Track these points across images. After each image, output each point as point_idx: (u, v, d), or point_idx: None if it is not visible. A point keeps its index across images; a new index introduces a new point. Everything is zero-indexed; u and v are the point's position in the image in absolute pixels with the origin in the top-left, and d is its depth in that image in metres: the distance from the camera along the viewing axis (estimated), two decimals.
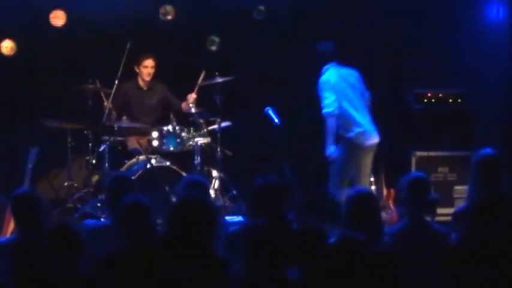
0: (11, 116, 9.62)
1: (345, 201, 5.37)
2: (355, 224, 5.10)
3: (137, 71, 9.51)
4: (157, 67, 9.53)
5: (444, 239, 5.69)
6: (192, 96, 9.34)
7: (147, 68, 9.43)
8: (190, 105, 9.28)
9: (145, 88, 9.56)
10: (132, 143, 9.38)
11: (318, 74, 8.50)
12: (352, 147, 8.32)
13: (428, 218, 5.82)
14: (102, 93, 9.32)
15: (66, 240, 4.85)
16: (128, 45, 9.17)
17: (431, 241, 5.58)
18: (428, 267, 5.31)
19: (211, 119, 9.35)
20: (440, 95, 9.47)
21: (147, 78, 9.47)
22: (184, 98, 9.46)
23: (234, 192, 9.17)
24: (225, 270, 4.66)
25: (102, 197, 8.66)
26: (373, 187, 8.88)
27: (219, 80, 9.24)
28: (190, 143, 9.17)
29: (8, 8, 9.48)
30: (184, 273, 4.62)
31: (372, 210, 5.32)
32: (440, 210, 8.51)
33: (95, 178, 9.30)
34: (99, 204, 8.81)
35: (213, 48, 10.01)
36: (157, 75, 9.56)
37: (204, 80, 9.35)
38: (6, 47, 9.63)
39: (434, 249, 5.47)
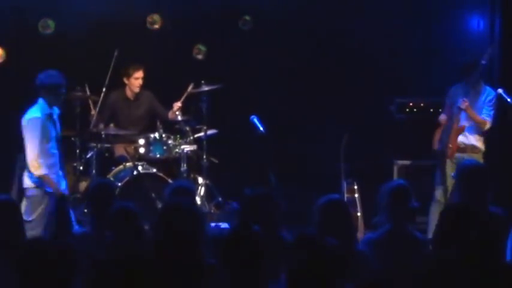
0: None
1: (316, 207, 5.38)
2: (326, 230, 5.06)
3: (126, 82, 9.50)
4: (145, 76, 9.53)
5: (424, 247, 5.66)
6: (177, 105, 9.34)
7: (138, 79, 9.45)
8: (177, 113, 9.37)
9: (132, 98, 9.59)
10: (119, 150, 9.39)
11: None
12: None
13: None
14: (90, 101, 9.31)
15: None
16: (116, 54, 9.16)
17: (412, 249, 5.57)
18: (407, 275, 5.23)
19: (198, 126, 9.38)
20: (421, 104, 9.50)
21: (137, 90, 9.50)
22: (171, 106, 9.47)
23: (220, 199, 9.21)
24: (213, 275, 4.63)
25: None
26: (356, 195, 9.02)
27: (205, 88, 9.27)
28: (177, 150, 9.19)
29: None
30: (173, 279, 4.57)
31: (343, 216, 5.34)
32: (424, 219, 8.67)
33: (82, 184, 9.24)
34: (86, 211, 8.87)
35: (200, 57, 10.02)
36: (144, 84, 9.57)
37: (190, 91, 9.39)
38: None
39: (415, 257, 5.43)
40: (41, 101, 7.70)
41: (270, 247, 4.60)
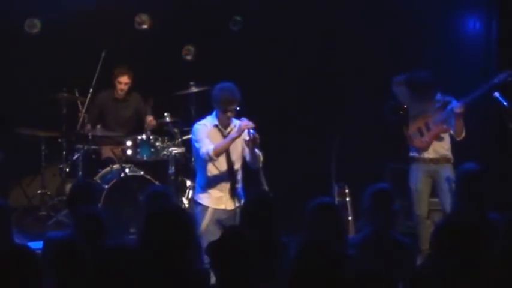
0: None
1: (307, 210, 5.40)
2: (317, 233, 5.17)
3: (114, 82, 9.57)
4: (133, 78, 9.56)
5: (407, 250, 5.76)
6: (151, 120, 9.50)
7: (121, 84, 9.52)
8: (151, 125, 9.45)
9: (121, 99, 9.63)
10: (106, 151, 9.48)
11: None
12: None
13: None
14: (79, 102, 9.44)
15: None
16: (103, 54, 9.26)
17: (394, 252, 5.60)
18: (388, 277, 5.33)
19: (186, 128, 9.28)
20: None
21: (121, 93, 9.56)
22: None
23: None
24: (204, 282, 4.67)
25: None
26: (347, 198, 8.95)
27: (195, 89, 9.30)
28: (165, 152, 9.21)
29: None
30: (163, 285, 4.56)
31: (333, 219, 5.36)
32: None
33: (68, 187, 8.99)
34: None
35: (189, 57, 10.08)
36: (133, 85, 9.61)
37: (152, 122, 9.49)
38: None
39: (397, 260, 5.47)
40: (214, 112, 7.44)
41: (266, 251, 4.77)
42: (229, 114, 7.27)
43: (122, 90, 9.54)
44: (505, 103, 8.29)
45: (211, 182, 7.29)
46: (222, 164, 7.32)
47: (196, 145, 7.30)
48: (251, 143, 7.23)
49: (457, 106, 8.30)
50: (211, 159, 7.20)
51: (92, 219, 5.44)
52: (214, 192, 7.24)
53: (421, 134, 8.52)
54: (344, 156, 9.27)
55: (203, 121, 7.41)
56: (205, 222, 7.17)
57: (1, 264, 4.58)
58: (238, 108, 7.30)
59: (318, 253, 4.44)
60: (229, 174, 7.35)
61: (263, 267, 4.81)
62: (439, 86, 8.49)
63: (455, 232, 4.91)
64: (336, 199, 8.76)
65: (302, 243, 4.57)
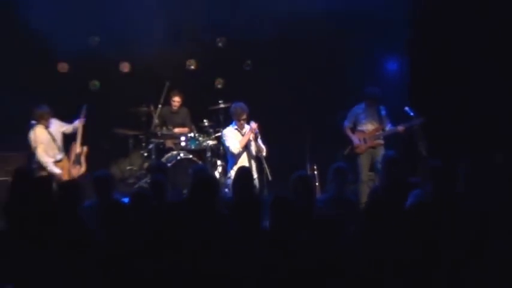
0: (95, 126, 9.37)
1: (290, 179, 5.38)
2: (297, 194, 5.26)
3: (170, 101, 9.84)
4: (184, 98, 9.79)
5: (355, 205, 6.03)
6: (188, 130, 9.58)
7: (175, 102, 9.77)
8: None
9: (175, 112, 9.88)
10: (169, 143, 9.72)
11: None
12: None
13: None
14: (152, 113, 9.65)
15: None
16: (167, 84, 9.61)
17: (347, 206, 5.79)
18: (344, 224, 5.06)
19: (217, 129, 9.65)
20: None
21: (175, 108, 9.83)
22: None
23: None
24: (226, 222, 4.87)
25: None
26: (315, 172, 9.02)
27: (222, 106, 9.64)
28: (204, 143, 9.48)
29: (86, 56, 9.44)
30: (203, 223, 4.73)
31: (307, 185, 5.43)
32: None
33: (146, 165, 9.64)
34: (148, 181, 9.06)
35: (219, 86, 10.48)
36: (183, 103, 9.81)
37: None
38: (94, 84, 10.10)
39: (349, 211, 5.64)
40: (233, 122, 7.73)
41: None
42: (242, 122, 7.72)
43: (175, 106, 9.76)
44: (411, 114, 8.28)
45: (238, 165, 7.56)
46: (244, 153, 7.75)
47: (227, 144, 7.70)
48: (255, 136, 7.66)
49: (401, 128, 8.31)
50: (239, 150, 7.65)
51: (156, 183, 5.74)
52: None
53: (365, 145, 8.59)
54: (314, 145, 9.37)
55: (228, 128, 7.81)
56: None
57: (106, 212, 4.92)
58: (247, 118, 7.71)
59: (285, 205, 4.57)
60: (248, 159, 7.75)
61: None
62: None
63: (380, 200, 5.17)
64: (309, 172, 8.82)
65: (274, 197, 4.69)
